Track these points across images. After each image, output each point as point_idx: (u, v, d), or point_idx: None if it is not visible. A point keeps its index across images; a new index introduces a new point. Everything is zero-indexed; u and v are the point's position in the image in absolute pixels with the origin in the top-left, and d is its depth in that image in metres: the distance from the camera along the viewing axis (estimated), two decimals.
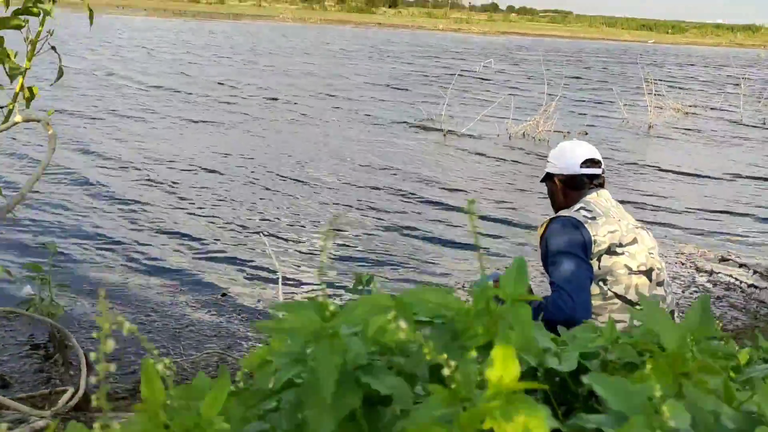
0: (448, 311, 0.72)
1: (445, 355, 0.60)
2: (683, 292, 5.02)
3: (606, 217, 2.64)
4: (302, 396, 0.65)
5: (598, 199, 2.72)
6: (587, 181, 2.79)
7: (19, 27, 1.72)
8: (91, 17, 1.81)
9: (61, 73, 1.85)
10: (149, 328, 3.85)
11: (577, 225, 2.58)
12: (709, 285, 5.25)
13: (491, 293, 0.72)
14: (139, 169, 7.42)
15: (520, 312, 0.72)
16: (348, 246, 5.43)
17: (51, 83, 1.95)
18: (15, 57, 1.73)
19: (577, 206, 2.68)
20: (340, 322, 0.67)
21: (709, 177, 8.86)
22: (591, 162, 2.81)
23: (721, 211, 7.25)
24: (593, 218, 2.61)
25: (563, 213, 2.68)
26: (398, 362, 0.72)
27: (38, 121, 1.99)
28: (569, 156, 2.84)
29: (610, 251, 2.57)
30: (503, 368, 0.57)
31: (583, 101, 16.02)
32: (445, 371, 0.59)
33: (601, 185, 2.81)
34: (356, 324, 0.71)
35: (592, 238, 2.56)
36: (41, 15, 1.74)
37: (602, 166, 2.85)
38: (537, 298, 0.71)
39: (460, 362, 0.63)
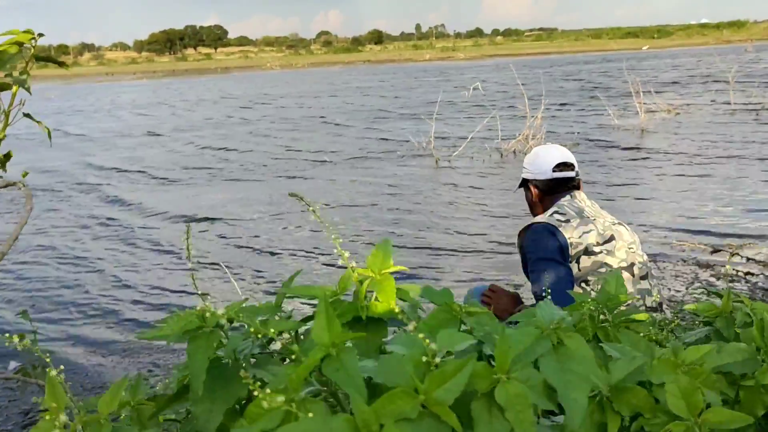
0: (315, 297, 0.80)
1: (273, 329, 0.66)
2: (687, 288, 4.96)
3: (580, 218, 2.61)
4: (190, 394, 0.69)
5: (572, 201, 2.70)
6: (561, 185, 2.77)
7: None
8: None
9: (49, 135, 1.94)
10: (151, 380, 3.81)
11: (551, 230, 2.56)
12: (712, 279, 5.19)
13: (356, 278, 0.81)
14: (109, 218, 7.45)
15: (384, 284, 0.78)
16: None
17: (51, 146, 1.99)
18: None
19: (551, 210, 2.67)
20: (218, 320, 0.71)
21: (696, 174, 8.84)
22: (564, 165, 2.80)
23: (703, 204, 7.22)
24: (567, 221, 2.60)
25: (538, 219, 2.66)
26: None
27: (14, 184, 2.04)
28: (541, 161, 2.83)
29: (588, 252, 2.54)
30: (327, 327, 0.63)
31: (574, 113, 16.09)
32: (277, 345, 0.65)
33: (576, 187, 2.79)
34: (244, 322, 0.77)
35: (568, 240, 2.53)
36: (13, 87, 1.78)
37: (576, 168, 2.83)
38: (402, 268, 0.82)
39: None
